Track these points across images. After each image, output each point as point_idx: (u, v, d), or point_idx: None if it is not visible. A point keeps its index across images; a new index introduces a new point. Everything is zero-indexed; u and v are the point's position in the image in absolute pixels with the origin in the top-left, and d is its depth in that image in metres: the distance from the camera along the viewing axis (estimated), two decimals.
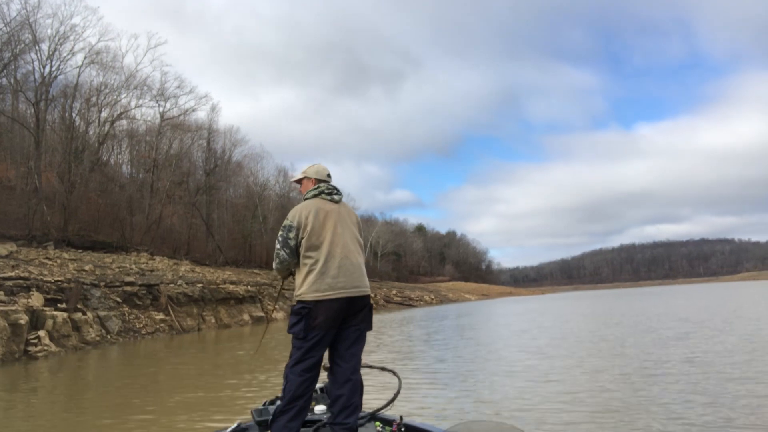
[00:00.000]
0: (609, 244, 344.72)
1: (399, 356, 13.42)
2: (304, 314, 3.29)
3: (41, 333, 16.39)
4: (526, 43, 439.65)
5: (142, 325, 22.43)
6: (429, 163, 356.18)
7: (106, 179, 39.58)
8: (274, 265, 3.51)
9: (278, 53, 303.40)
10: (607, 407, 6.48)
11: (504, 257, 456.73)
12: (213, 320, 27.21)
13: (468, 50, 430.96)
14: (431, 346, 15.68)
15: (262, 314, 31.74)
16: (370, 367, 4.55)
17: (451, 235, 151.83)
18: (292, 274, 3.55)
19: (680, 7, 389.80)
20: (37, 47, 33.83)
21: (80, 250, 29.57)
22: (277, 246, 3.45)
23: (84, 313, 19.61)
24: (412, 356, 13.40)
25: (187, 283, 27.76)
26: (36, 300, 17.77)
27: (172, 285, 26.49)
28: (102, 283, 22.65)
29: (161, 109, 43.81)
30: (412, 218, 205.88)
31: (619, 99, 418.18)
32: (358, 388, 3.37)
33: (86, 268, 24.73)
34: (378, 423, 3.60)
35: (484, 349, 13.93)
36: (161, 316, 23.97)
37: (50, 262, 24.08)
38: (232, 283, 32.73)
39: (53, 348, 16.38)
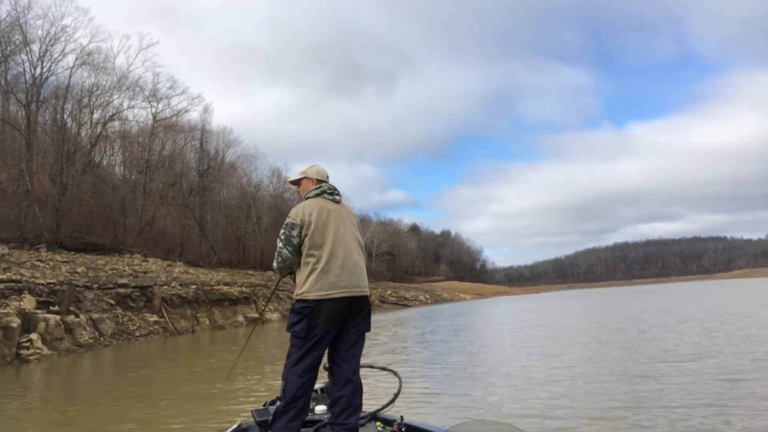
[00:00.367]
0: (602, 242, 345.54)
1: (397, 356, 13.37)
2: (306, 313, 3.26)
3: (33, 336, 16.24)
4: (519, 42, 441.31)
5: (135, 327, 22.28)
6: (423, 163, 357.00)
7: (99, 181, 39.36)
8: (275, 264, 3.46)
9: (271, 53, 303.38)
10: (606, 407, 6.45)
11: (498, 256, 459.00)
12: (207, 322, 27.07)
13: (461, 50, 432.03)
14: (428, 346, 15.64)
15: (257, 315, 31.62)
16: (371, 367, 4.54)
17: (446, 234, 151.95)
18: (292, 273, 3.51)
19: (671, 5, 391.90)
20: (27, 48, 33.68)
21: (73, 252, 29.37)
22: (280, 244, 3.42)
23: (77, 316, 19.45)
24: (410, 356, 13.34)
25: (180, 285, 27.62)
26: (28, 303, 17.61)
27: (165, 287, 26.34)
28: (95, 285, 22.49)
29: (154, 110, 43.68)
30: (406, 218, 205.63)
31: (612, 98, 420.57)
32: (358, 389, 3.36)
33: (79, 270, 24.55)
34: (378, 423, 3.58)
35: (482, 349, 13.89)
36: (155, 318, 23.82)
37: (42, 265, 23.88)
38: (226, 284, 32.60)
39: (46, 351, 16.23)
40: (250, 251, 52.19)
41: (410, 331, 22.19)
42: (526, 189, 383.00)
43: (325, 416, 3.52)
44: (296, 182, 3.83)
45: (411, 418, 3.63)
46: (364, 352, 3.53)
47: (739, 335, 12.60)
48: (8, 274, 19.69)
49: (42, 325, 16.98)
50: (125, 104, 41.63)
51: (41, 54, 34.22)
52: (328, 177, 3.79)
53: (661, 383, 7.45)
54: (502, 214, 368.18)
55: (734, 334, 12.98)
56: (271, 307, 34.06)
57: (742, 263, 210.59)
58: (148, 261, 33.66)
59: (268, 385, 9.51)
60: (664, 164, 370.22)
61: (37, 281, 19.92)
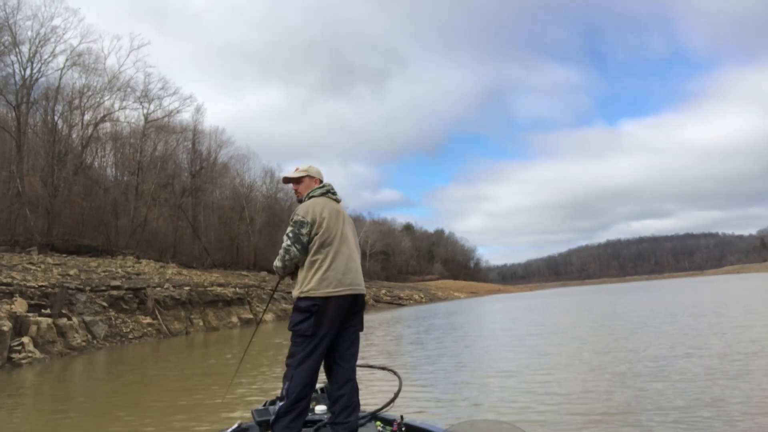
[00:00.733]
0: (595, 240, 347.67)
1: (394, 357, 13.33)
2: (314, 311, 3.27)
3: (25, 339, 16.09)
4: (511, 40, 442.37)
5: (129, 330, 22.14)
6: (416, 162, 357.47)
7: (91, 182, 39.06)
8: (279, 263, 3.42)
9: (263, 53, 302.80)
10: (606, 406, 6.43)
11: (492, 255, 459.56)
12: (201, 323, 26.94)
13: (453, 48, 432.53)
14: (424, 345, 15.61)
15: (251, 316, 31.51)
16: (371, 366, 4.57)
17: (440, 233, 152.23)
18: (293, 273, 3.48)
19: (661, 2, 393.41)
20: (17, 49, 33.37)
21: (65, 255, 29.16)
22: (287, 242, 3.39)
23: (69, 319, 19.30)
24: (406, 356, 13.31)
25: (174, 286, 27.47)
26: (19, 306, 17.45)
27: (158, 288, 26.19)
28: (87, 288, 22.32)
29: (145, 111, 43.44)
30: (400, 217, 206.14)
31: (603, 95, 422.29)
32: (356, 388, 3.40)
33: (71, 272, 24.37)
34: (379, 423, 3.59)
35: (478, 348, 13.87)
36: (148, 320, 23.68)
37: (34, 267, 23.68)
38: (219, 285, 32.46)
39: (38, 354, 16.09)
40: (244, 252, 52.02)
41: (405, 330, 22.16)
42: (519, 187, 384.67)
43: (325, 416, 3.53)
44: (295, 180, 3.77)
45: (411, 418, 3.62)
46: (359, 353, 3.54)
47: (737, 332, 12.63)
48: None
49: (34, 328, 16.84)
50: (116, 105, 41.42)
51: (31, 55, 33.97)
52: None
53: (661, 382, 7.43)
54: (496, 213, 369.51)
55: (733, 330, 13.01)
56: (265, 308, 33.93)
57: (733, 259, 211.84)
58: (140, 263, 33.47)
59: (263, 387, 9.45)
60: (656, 161, 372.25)
61: (28, 284, 19.75)
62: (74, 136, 38.99)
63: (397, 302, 59.48)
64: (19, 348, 15.65)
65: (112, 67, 40.55)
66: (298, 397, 3.20)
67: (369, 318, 32.72)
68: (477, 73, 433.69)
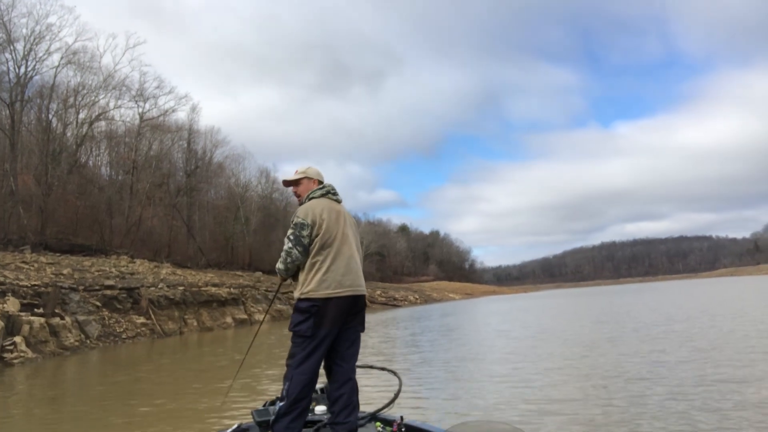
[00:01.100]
0: (590, 242, 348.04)
1: (390, 357, 13.30)
2: (313, 312, 3.28)
3: (17, 339, 15.99)
4: (507, 41, 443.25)
5: (122, 330, 22.04)
6: (411, 162, 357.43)
7: (85, 181, 38.87)
8: (283, 265, 3.43)
9: (258, 52, 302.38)
10: (605, 409, 6.41)
11: (487, 256, 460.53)
12: (195, 323, 26.85)
13: (449, 49, 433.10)
14: (420, 347, 15.59)
15: (246, 316, 31.44)
16: (371, 367, 4.61)
17: (435, 234, 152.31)
18: (295, 274, 3.49)
19: (656, 5, 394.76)
20: (11, 47, 33.18)
21: (58, 254, 29.01)
22: (289, 245, 3.39)
23: (62, 318, 19.20)
24: (403, 357, 13.28)
25: (168, 286, 27.37)
26: (12, 305, 17.33)
27: (153, 288, 26.09)
28: (81, 287, 22.21)
29: (140, 109, 43.29)
30: (395, 218, 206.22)
31: (598, 97, 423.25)
32: (356, 388, 3.42)
33: (64, 271, 24.24)
34: (378, 423, 3.60)
35: (474, 349, 13.86)
36: (142, 319, 23.57)
37: (27, 266, 23.55)
38: (214, 285, 32.37)
39: (30, 354, 15.98)
40: (239, 252, 51.92)
41: (401, 331, 22.14)
42: (513, 188, 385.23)
43: (325, 416, 3.54)
44: (294, 183, 3.78)
45: (411, 418, 3.64)
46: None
47: (733, 335, 12.66)
48: None
49: (26, 327, 16.73)
50: (111, 104, 41.28)
51: (26, 53, 33.80)
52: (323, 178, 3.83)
53: (660, 385, 7.41)
54: (491, 214, 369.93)
55: (728, 333, 13.04)
56: (260, 308, 33.86)
57: (727, 262, 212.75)
58: (135, 262, 33.34)
59: (258, 390, 9.41)
60: (650, 164, 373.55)
61: (21, 283, 19.63)
62: (69, 134, 38.81)
63: (392, 303, 59.45)
64: (11, 348, 15.55)
65: (108, 66, 40.43)
66: (298, 397, 3.21)
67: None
68: (472, 74, 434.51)
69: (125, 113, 42.84)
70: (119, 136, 44.04)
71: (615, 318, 20.78)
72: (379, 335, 20.30)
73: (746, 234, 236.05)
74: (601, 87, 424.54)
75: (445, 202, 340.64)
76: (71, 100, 37.98)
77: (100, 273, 26.56)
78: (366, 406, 3.65)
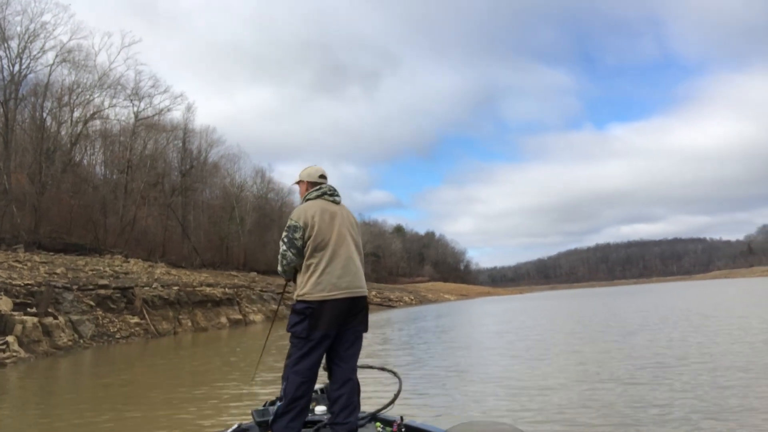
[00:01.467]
0: (584, 243, 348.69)
1: (387, 358, 13.24)
2: (308, 314, 3.28)
3: (10, 338, 15.86)
4: (503, 43, 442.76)
5: (116, 329, 21.90)
6: (407, 163, 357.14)
7: (79, 180, 38.70)
8: (279, 268, 3.52)
9: (254, 52, 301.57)
10: (603, 410, 6.38)
11: (482, 257, 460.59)
12: (189, 323, 26.72)
13: (446, 50, 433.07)
14: (418, 347, 15.54)
15: (240, 317, 31.33)
16: (370, 367, 4.65)
17: (430, 235, 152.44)
18: (294, 276, 3.53)
19: (651, 6, 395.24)
20: (5, 45, 33.07)
21: (52, 253, 28.83)
22: (283, 247, 3.43)
23: (55, 318, 19.06)
24: (400, 358, 13.23)
25: (162, 286, 27.24)
26: (4, 304, 17.20)
27: (147, 288, 25.96)
28: (74, 287, 22.06)
29: (135, 108, 43.16)
30: (390, 219, 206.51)
31: (593, 99, 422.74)
32: (356, 388, 3.41)
33: (58, 271, 24.08)
34: (378, 423, 3.60)
35: (474, 351, 13.83)
36: (136, 319, 23.44)
37: (20, 265, 23.39)
38: (208, 285, 32.25)
39: (23, 354, 15.85)
40: (234, 252, 51.78)
41: (396, 333, 22.09)
42: (509, 189, 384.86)
43: (325, 416, 3.55)
44: (299, 185, 3.84)
45: (411, 419, 3.64)
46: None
47: (730, 337, 12.66)
48: None
49: (19, 327, 16.60)
50: (106, 103, 41.14)
51: (20, 51, 33.66)
52: (322, 176, 3.74)
53: (658, 387, 7.37)
54: (486, 215, 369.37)
55: (725, 335, 13.04)
56: (255, 309, 33.76)
57: (721, 264, 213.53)
58: (129, 262, 33.19)
59: (252, 392, 9.34)
60: (645, 166, 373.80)
61: (14, 282, 19.48)
62: (63, 133, 38.66)
63: (387, 304, 59.41)
64: (4, 347, 15.41)
65: (103, 64, 40.28)
66: (295, 396, 3.22)
67: None
68: (468, 75, 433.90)
69: (120, 112, 42.77)
70: (114, 135, 43.92)
71: (612, 319, 20.78)
72: (375, 336, 20.24)
73: (740, 236, 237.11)
74: (596, 89, 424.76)
75: (441, 203, 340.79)
76: (66, 98, 37.84)
77: (94, 272, 26.41)
78: (366, 406, 3.64)
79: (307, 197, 3.61)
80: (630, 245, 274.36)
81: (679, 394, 6.84)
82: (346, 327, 3.39)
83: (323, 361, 3.44)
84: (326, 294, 3.29)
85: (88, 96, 39.24)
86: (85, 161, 44.02)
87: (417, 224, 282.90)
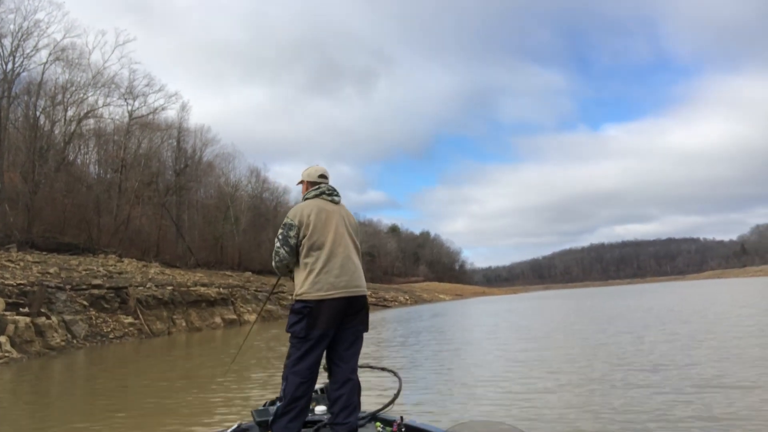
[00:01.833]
0: (579, 243, 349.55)
1: (387, 358, 13.20)
2: (305, 313, 3.29)
3: (2, 339, 15.75)
4: (497, 43, 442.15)
5: (109, 329, 21.79)
6: (402, 163, 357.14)
7: (73, 179, 38.45)
8: (273, 264, 3.53)
9: (248, 51, 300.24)
10: (602, 410, 6.37)
11: (477, 257, 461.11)
12: (184, 323, 26.62)
13: (439, 50, 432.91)
14: (416, 347, 15.51)
15: (235, 317, 31.24)
16: (371, 367, 4.65)
17: (425, 235, 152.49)
18: (291, 273, 3.54)
19: (644, 7, 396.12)
20: None
21: (45, 253, 28.66)
22: (277, 244, 3.46)
23: (48, 318, 18.94)
24: (397, 359, 13.19)
25: (156, 286, 27.12)
26: None
27: (141, 287, 25.84)
28: (68, 286, 21.94)
29: (130, 107, 43.01)
30: (385, 219, 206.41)
31: (587, 100, 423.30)
32: (356, 388, 3.40)
33: (51, 270, 23.93)
34: (378, 423, 3.59)
35: (473, 351, 13.81)
36: (130, 319, 23.33)
37: (12, 265, 23.22)
38: (203, 285, 32.14)
39: (15, 354, 15.74)
40: (228, 252, 51.60)
41: (391, 333, 22.05)
42: (503, 190, 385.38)
43: (325, 416, 3.55)
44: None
45: (411, 418, 3.63)
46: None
47: (727, 337, 12.67)
48: None
49: (11, 327, 16.48)
50: (100, 101, 40.95)
51: (13, 49, 33.43)
52: (322, 176, 3.75)
53: (656, 389, 7.34)
54: (481, 215, 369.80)
55: (722, 336, 13.04)
56: (250, 309, 33.66)
57: (714, 264, 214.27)
58: (123, 261, 33.03)
59: (245, 395, 9.28)
60: (639, 166, 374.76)
61: (6, 282, 19.34)
62: (56, 132, 38.43)
63: (382, 304, 59.40)
64: None
65: (97, 63, 40.11)
66: (294, 396, 3.22)
67: None
68: (462, 76, 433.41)
69: (114, 111, 42.61)
70: (108, 134, 43.72)
71: (607, 320, 20.81)
72: (370, 336, 20.21)
73: (733, 236, 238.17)
74: (590, 89, 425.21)
75: (436, 203, 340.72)
76: (59, 97, 37.62)
77: (88, 272, 26.27)
78: (366, 406, 3.64)
79: (306, 197, 3.64)
80: (624, 245, 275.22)
81: (682, 396, 6.81)
82: (346, 326, 3.40)
83: (323, 361, 3.44)
84: (324, 293, 3.29)
85: (81, 95, 39.11)
86: (78, 160, 43.81)
87: (412, 224, 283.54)
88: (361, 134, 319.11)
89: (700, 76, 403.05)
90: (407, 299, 70.16)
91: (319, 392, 3.83)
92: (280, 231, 3.46)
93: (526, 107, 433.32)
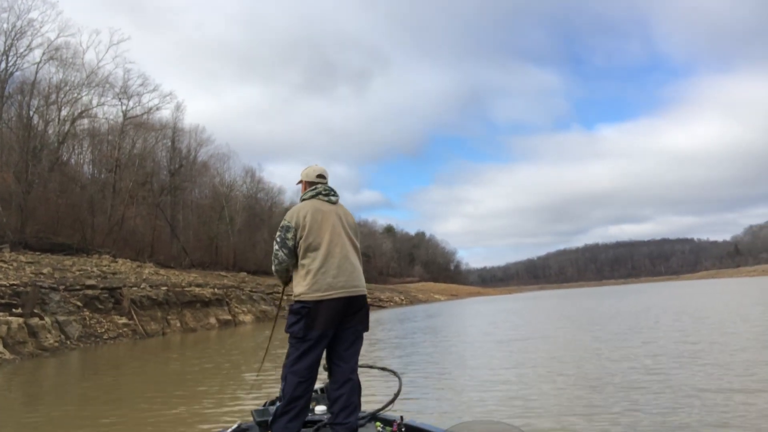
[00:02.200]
0: (573, 244, 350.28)
1: (386, 359, 13.14)
2: (303, 314, 3.30)
3: None
4: (491, 43, 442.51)
5: (103, 330, 21.65)
6: (397, 163, 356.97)
7: (67, 179, 38.25)
8: (273, 268, 3.56)
9: (242, 50, 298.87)
10: (602, 410, 6.34)
11: (472, 257, 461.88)
12: (178, 324, 26.49)
13: (434, 50, 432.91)
14: (414, 347, 15.47)
15: (230, 317, 31.13)
16: (371, 367, 4.68)
17: (420, 235, 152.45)
18: (290, 274, 3.58)
19: (637, 7, 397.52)
20: None
21: (38, 253, 28.46)
22: (275, 247, 3.47)
23: (41, 318, 18.80)
24: (401, 358, 13.14)
25: (151, 286, 26.98)
26: None
27: (135, 288, 25.70)
28: (61, 287, 21.78)
29: (124, 107, 42.86)
30: (381, 219, 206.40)
31: (581, 100, 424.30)
32: (356, 388, 3.41)
33: (44, 271, 23.77)
34: (378, 423, 3.60)
35: (471, 351, 13.77)
36: (124, 320, 23.20)
37: (5, 265, 23.04)
38: (197, 285, 32.00)
39: (8, 355, 15.61)
40: (223, 252, 51.45)
41: (387, 333, 21.99)
42: (498, 190, 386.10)
43: (325, 416, 3.55)
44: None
45: (411, 418, 3.64)
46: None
47: (724, 339, 12.67)
48: None
49: (4, 328, 16.35)
50: (95, 101, 40.81)
51: (6, 48, 33.34)
52: (321, 176, 3.74)
53: (656, 391, 7.30)
54: (476, 215, 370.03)
55: (724, 337, 13.05)
56: (245, 309, 33.55)
57: (708, 264, 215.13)
58: (117, 262, 32.86)
59: (239, 398, 9.21)
60: (633, 167, 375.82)
61: None
62: (50, 131, 38.23)
63: (377, 304, 59.33)
64: None
65: (91, 62, 39.94)
66: (293, 396, 3.23)
67: None
68: (457, 76, 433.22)
69: (108, 111, 42.48)
70: (102, 133, 43.50)
71: (604, 321, 20.82)
72: (366, 337, 20.13)
73: (727, 237, 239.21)
74: (584, 89, 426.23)
75: (431, 203, 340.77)
76: (53, 96, 37.44)
77: (82, 272, 26.10)
78: (366, 406, 3.64)
79: (303, 197, 3.65)
80: (618, 245, 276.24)
81: (683, 399, 6.77)
82: (346, 326, 3.41)
83: (323, 361, 3.44)
84: (322, 294, 3.30)
85: (75, 94, 38.93)
86: (72, 160, 43.60)
87: (407, 224, 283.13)
88: (356, 134, 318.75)
89: (693, 77, 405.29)
90: (402, 300, 70.13)
91: (319, 392, 3.83)
92: (277, 234, 3.47)
93: (520, 107, 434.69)
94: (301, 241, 3.39)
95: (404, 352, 14.23)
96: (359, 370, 3.54)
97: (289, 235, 3.41)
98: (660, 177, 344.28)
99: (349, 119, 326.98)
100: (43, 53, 35.27)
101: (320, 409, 3.67)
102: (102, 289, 23.76)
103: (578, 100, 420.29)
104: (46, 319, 19.08)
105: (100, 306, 22.80)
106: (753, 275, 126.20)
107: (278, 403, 3.36)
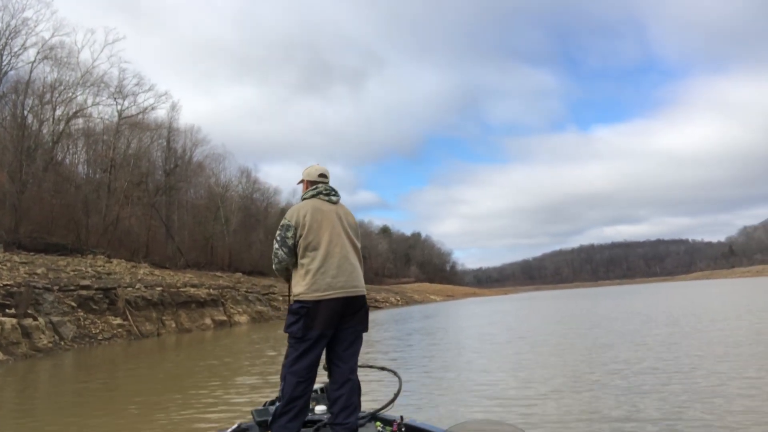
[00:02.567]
0: (569, 244, 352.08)
1: (385, 359, 13.08)
2: (302, 314, 3.27)
3: None
4: (487, 44, 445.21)
5: (98, 331, 21.51)
6: (392, 164, 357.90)
7: (61, 179, 38.01)
8: (273, 266, 3.53)
9: (238, 50, 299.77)
10: (602, 410, 6.31)
11: (468, 258, 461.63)
12: (173, 325, 26.36)
13: (430, 51, 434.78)
14: (413, 347, 15.42)
15: (225, 318, 31.02)
16: (371, 367, 4.64)
17: (416, 236, 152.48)
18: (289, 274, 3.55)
19: (632, 8, 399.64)
20: None
21: (32, 253, 28.25)
22: (275, 246, 3.45)
23: (35, 319, 18.65)
24: (400, 358, 13.08)
25: (145, 287, 26.84)
26: None
27: (130, 288, 25.56)
28: (55, 287, 21.63)
29: (119, 107, 42.62)
30: (377, 220, 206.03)
31: (576, 101, 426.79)
32: (356, 389, 3.38)
33: (38, 271, 23.60)
34: (378, 423, 3.59)
35: (469, 351, 13.73)
36: (119, 320, 23.06)
37: None
38: (193, 286, 31.86)
39: (1, 356, 15.48)
40: (218, 252, 51.25)
41: (384, 333, 21.93)
42: (494, 191, 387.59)
43: (325, 416, 3.54)
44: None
45: (411, 418, 3.61)
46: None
47: (728, 341, 12.66)
48: None
49: None
50: (89, 101, 40.52)
51: (0, 47, 33.00)
52: (322, 175, 3.71)
53: (657, 392, 7.27)
54: (471, 216, 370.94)
55: (725, 338, 13.04)
56: (240, 310, 33.42)
57: (702, 265, 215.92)
58: (111, 262, 32.67)
59: (232, 401, 9.13)
60: (628, 167, 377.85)
61: None
62: (45, 131, 37.95)
63: (373, 305, 59.25)
64: None
65: (86, 62, 39.68)
66: (293, 397, 3.21)
67: None
68: (453, 77, 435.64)
69: (103, 110, 42.18)
70: (97, 133, 43.23)
71: (603, 322, 20.81)
72: (364, 338, 20.05)
73: (721, 238, 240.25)
74: (580, 90, 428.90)
75: (427, 204, 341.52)
76: (48, 96, 37.18)
77: (76, 273, 25.94)
78: (366, 406, 3.62)
79: (303, 197, 3.63)
80: (614, 246, 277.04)
81: (685, 403, 6.73)
82: (345, 327, 3.38)
83: (323, 361, 3.42)
84: (321, 294, 3.28)
85: (70, 94, 38.67)
86: (67, 160, 43.28)
87: (403, 225, 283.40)
88: (352, 134, 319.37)
89: (687, 78, 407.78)
90: (398, 300, 70.08)
91: (318, 392, 3.81)
92: (277, 233, 3.45)
93: (516, 108, 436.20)
94: (300, 240, 3.38)
95: (404, 353, 14.18)
96: (359, 370, 3.51)
97: (289, 234, 3.39)
98: (655, 178, 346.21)
99: (344, 120, 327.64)
100: (38, 52, 35.07)
101: (320, 409, 3.65)
102: (96, 289, 23.62)
103: (573, 101, 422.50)
104: (40, 319, 18.94)
105: (94, 306, 22.66)
106: (747, 276, 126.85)
107: (278, 403, 3.34)
